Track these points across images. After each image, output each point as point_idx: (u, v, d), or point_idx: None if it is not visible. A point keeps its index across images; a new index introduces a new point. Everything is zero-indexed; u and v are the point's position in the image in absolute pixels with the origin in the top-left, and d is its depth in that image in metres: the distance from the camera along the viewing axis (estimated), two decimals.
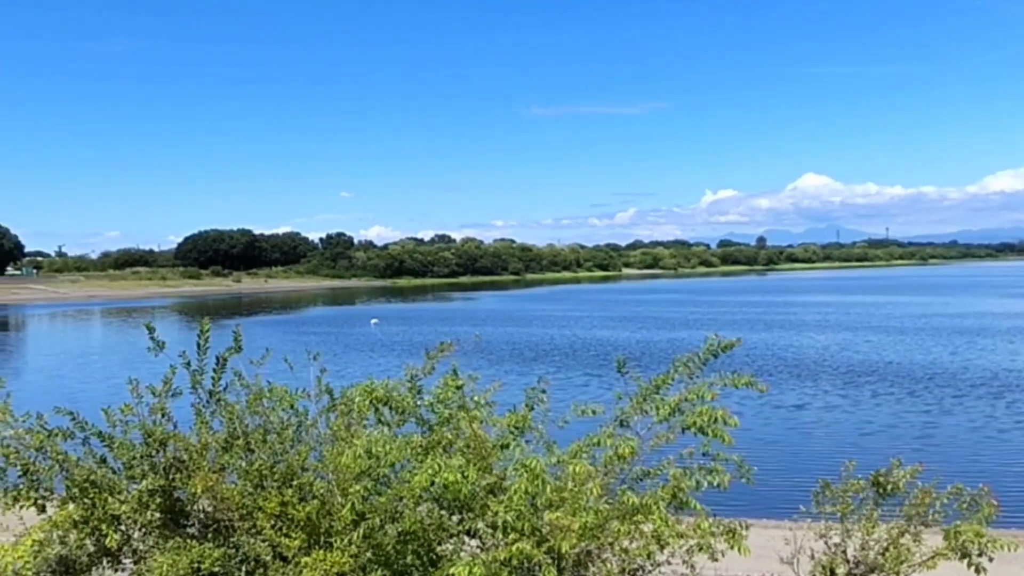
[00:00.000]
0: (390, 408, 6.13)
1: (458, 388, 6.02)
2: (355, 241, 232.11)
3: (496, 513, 5.29)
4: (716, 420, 5.66)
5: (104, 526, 6.37)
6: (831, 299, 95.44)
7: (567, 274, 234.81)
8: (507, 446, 5.94)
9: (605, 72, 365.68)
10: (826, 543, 6.53)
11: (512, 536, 5.20)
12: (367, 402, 5.98)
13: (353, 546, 5.52)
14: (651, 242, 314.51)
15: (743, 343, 6.55)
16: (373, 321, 74.05)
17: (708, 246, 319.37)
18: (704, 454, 5.92)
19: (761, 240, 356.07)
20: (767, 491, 13.18)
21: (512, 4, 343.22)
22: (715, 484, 5.70)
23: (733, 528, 5.71)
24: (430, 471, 5.28)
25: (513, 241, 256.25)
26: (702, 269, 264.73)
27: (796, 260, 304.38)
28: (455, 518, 5.80)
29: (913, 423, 25.30)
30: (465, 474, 5.28)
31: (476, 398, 6.24)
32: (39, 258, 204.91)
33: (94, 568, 6.71)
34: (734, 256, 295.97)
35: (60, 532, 6.58)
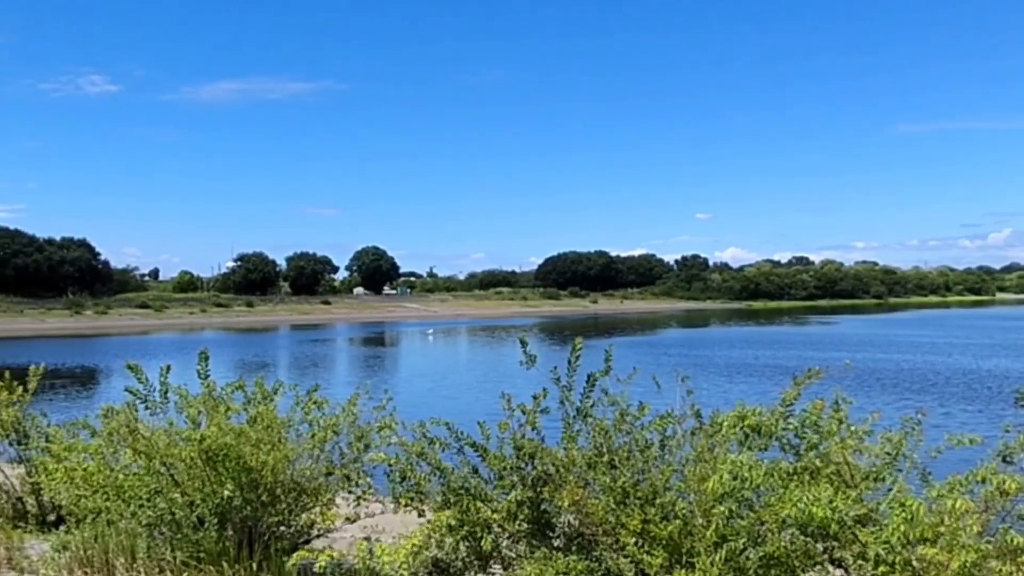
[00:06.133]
0: (757, 432, 6.09)
1: (836, 415, 5.87)
2: (710, 263, 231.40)
3: (866, 544, 5.13)
4: None
5: (479, 530, 6.80)
6: None
7: (934, 298, 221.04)
8: (880, 478, 5.73)
9: (982, 84, 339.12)
10: None
11: (882, 569, 5.06)
12: (737, 428, 5.96)
13: (715, 568, 5.56)
14: None
15: None
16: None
17: None
18: None
19: None
20: None
21: (880, 17, 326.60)
22: None
23: None
24: (797, 499, 5.20)
25: (875, 263, 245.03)
26: None
27: None
28: (820, 546, 5.68)
29: None
30: (834, 504, 5.16)
31: (849, 426, 6.06)
32: (412, 278, 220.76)
33: (466, 572, 7.16)
34: None
35: (437, 536, 7.06)
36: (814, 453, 5.92)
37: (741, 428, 6.01)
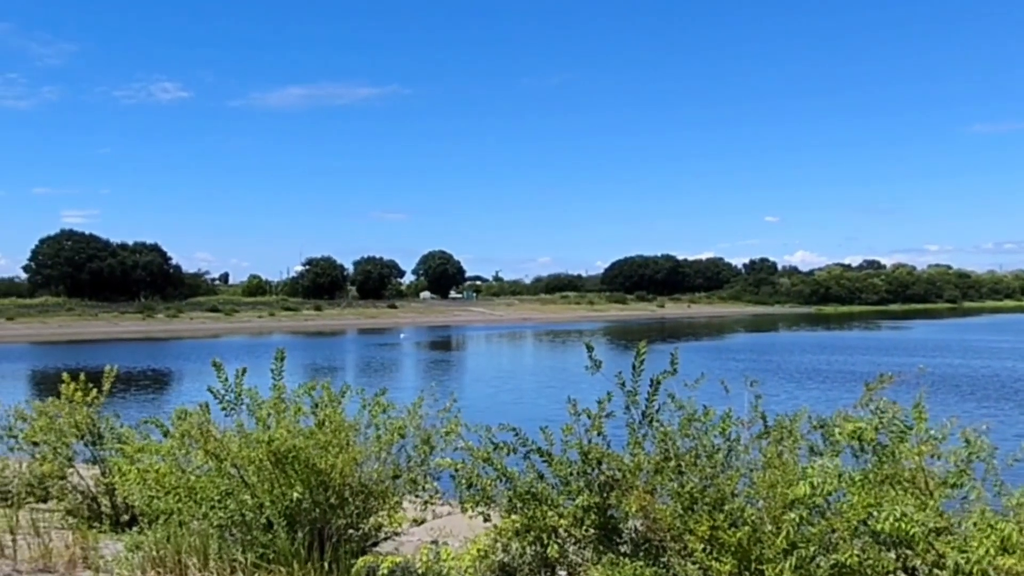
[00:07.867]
0: (864, 446, 5.97)
1: (921, 416, 5.75)
2: (779, 266, 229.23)
3: (943, 554, 5.04)
4: None
5: (545, 536, 6.81)
6: None
7: (1010, 302, 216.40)
8: (956, 485, 5.62)
9: None
10: None
11: None
12: (853, 437, 5.84)
13: (785, 575, 5.50)
14: None
15: None
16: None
17: None
18: None
19: None
20: None
21: (955, 16, 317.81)
22: None
23: None
24: (870, 506, 5.14)
25: (949, 267, 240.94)
26: None
27: None
28: (892, 554, 5.59)
29: None
30: (909, 514, 5.08)
31: (928, 429, 5.93)
32: (478, 282, 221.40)
33: None
34: None
35: (503, 541, 7.07)
36: (888, 462, 5.81)
37: (858, 439, 5.88)
